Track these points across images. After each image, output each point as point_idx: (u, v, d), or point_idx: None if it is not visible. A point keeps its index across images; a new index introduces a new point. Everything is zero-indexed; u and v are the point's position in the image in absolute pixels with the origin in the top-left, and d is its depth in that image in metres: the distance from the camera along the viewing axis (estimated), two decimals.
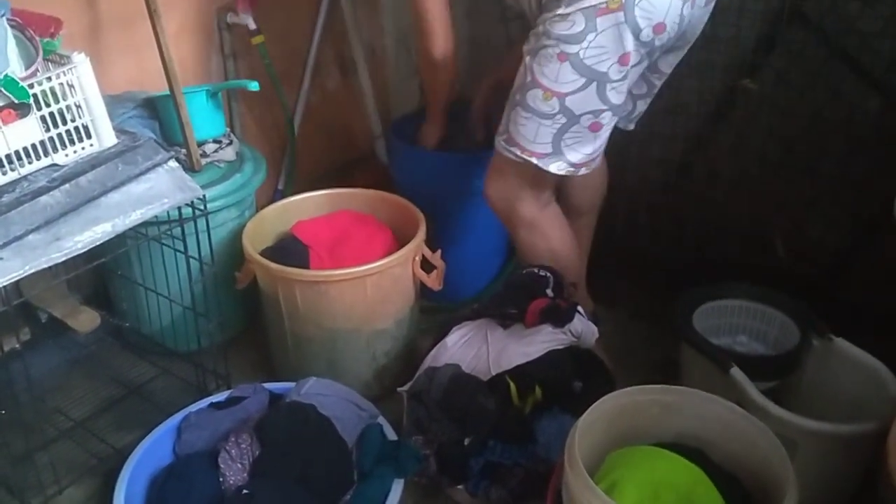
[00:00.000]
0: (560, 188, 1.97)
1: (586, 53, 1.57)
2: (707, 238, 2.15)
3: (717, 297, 1.89)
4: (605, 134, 1.69)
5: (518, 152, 1.70)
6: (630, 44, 1.56)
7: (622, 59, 1.58)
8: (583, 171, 1.72)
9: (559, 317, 1.70)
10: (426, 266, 1.96)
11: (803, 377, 1.78)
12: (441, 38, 1.87)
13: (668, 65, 1.77)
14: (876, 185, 1.84)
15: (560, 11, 1.57)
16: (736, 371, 1.65)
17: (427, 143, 2.18)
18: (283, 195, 2.38)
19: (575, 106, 1.62)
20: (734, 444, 1.43)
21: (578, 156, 1.69)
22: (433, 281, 1.96)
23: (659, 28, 1.57)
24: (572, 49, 1.57)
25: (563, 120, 1.64)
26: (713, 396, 1.46)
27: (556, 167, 1.69)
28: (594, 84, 1.60)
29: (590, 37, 1.55)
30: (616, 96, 1.63)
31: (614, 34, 1.55)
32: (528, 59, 1.64)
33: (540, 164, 1.69)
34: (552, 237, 1.84)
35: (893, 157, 1.80)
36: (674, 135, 2.14)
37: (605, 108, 1.63)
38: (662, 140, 2.16)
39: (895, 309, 1.84)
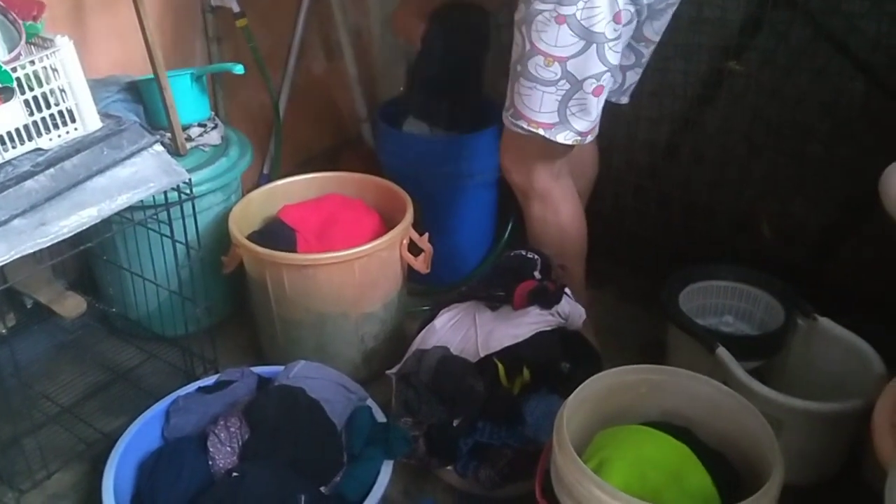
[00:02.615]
0: None
1: (582, 14, 1.57)
2: (693, 220, 2.15)
3: (704, 278, 1.91)
4: (604, 97, 1.69)
5: (525, 125, 1.70)
6: (621, 1, 1.57)
7: (616, 17, 1.58)
8: (588, 138, 1.73)
9: (547, 299, 1.71)
10: (414, 249, 1.96)
11: (788, 357, 1.80)
12: None
13: (653, 32, 1.76)
14: (861, 166, 1.85)
15: None
16: (722, 351, 1.66)
17: (404, 37, 2.18)
18: (270, 179, 2.38)
19: (577, 70, 1.62)
20: (721, 422, 1.45)
21: (584, 124, 1.69)
22: (421, 264, 1.96)
23: None
24: (569, 10, 1.57)
25: (567, 86, 1.64)
26: (700, 376, 1.47)
27: (564, 137, 1.69)
28: (594, 46, 1.60)
29: None
30: (614, 56, 1.63)
31: None
32: (523, 28, 1.64)
33: (548, 136, 1.69)
34: (562, 212, 1.85)
35: (878, 138, 1.81)
36: (660, 117, 2.14)
37: (605, 69, 1.63)
38: (649, 122, 2.16)
39: (879, 289, 1.86)
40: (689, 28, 1.91)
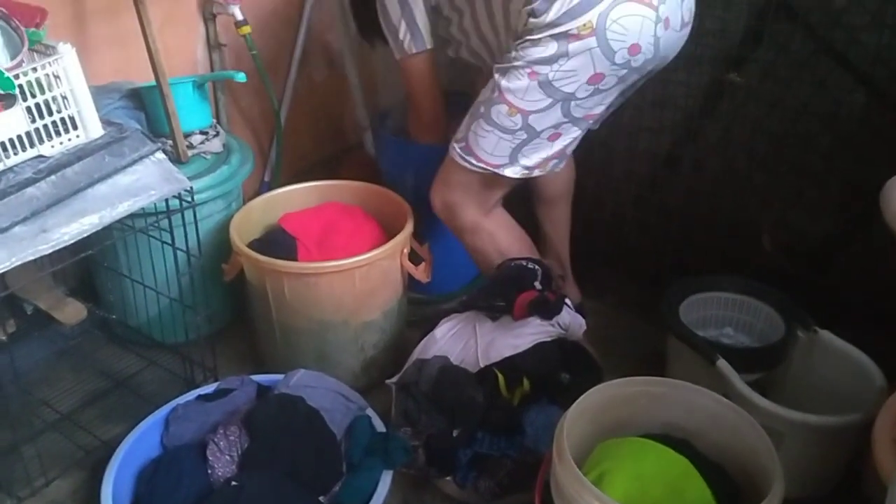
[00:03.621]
0: (528, 181, 1.97)
1: (555, 76, 1.57)
2: (694, 231, 2.15)
3: (704, 289, 1.91)
4: (563, 142, 1.70)
5: (474, 161, 1.72)
6: (604, 66, 1.57)
7: (591, 79, 1.58)
8: (537, 172, 1.73)
9: (547, 309, 1.70)
10: (414, 258, 1.96)
11: (789, 369, 1.80)
12: (429, 110, 1.97)
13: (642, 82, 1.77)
14: (861, 178, 1.86)
15: (531, 37, 1.57)
16: (722, 363, 1.66)
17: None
18: (271, 187, 2.38)
19: (537, 123, 1.64)
20: (721, 434, 1.44)
21: (533, 160, 1.70)
22: (421, 273, 1.96)
23: (634, 49, 1.57)
24: (543, 70, 1.57)
25: (524, 136, 1.65)
26: (700, 388, 1.47)
27: (512, 171, 1.71)
28: (559, 104, 1.61)
29: (561, 61, 1.56)
30: (580, 111, 1.64)
31: (586, 59, 1.56)
32: (497, 75, 1.64)
33: (496, 171, 1.71)
34: (498, 237, 1.86)
35: (879, 150, 1.81)
36: (661, 128, 2.14)
37: (566, 121, 1.64)
38: (649, 133, 2.16)
39: (880, 302, 1.86)
40: (690, 40, 1.91)
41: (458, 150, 1.74)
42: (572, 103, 1.61)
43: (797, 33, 1.88)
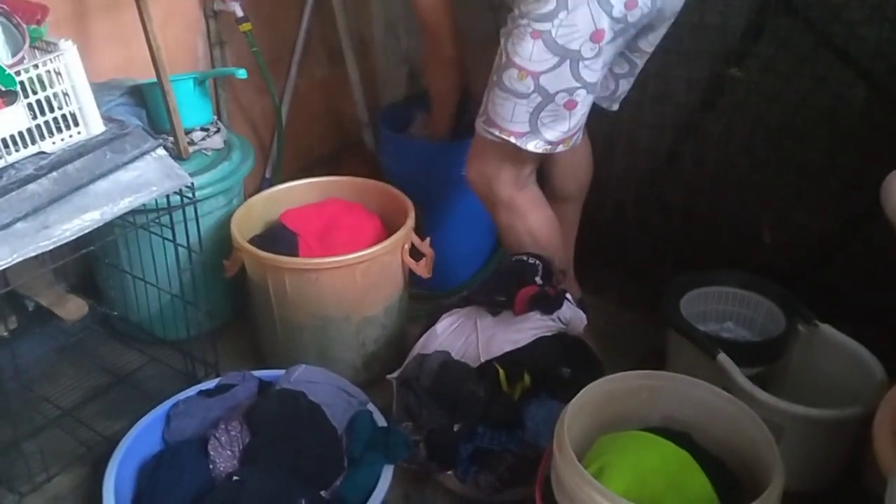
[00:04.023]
0: (545, 175, 1.97)
1: (558, 32, 1.58)
2: (694, 226, 2.16)
3: (704, 284, 1.91)
4: (580, 111, 1.70)
5: (497, 132, 1.71)
6: (603, 21, 1.58)
7: (594, 36, 1.59)
8: (560, 147, 1.73)
9: (548, 304, 1.71)
10: (415, 254, 1.96)
11: (789, 363, 1.80)
12: (448, 40, 1.94)
13: (648, 43, 1.77)
14: (862, 173, 1.86)
15: None
16: (723, 357, 1.66)
17: (433, 137, 2.19)
18: (271, 183, 2.38)
19: (549, 84, 1.63)
20: (721, 428, 1.45)
21: (555, 133, 1.70)
22: (422, 269, 1.96)
23: (630, 4, 1.58)
24: (544, 27, 1.58)
25: (539, 99, 1.65)
26: (700, 381, 1.47)
27: (534, 145, 1.70)
28: (567, 62, 1.61)
29: (561, 15, 1.57)
30: (590, 74, 1.64)
31: (585, 12, 1.57)
32: (503, 40, 1.66)
33: (518, 143, 1.70)
34: (530, 218, 1.85)
35: (879, 145, 1.81)
36: (661, 124, 2.15)
37: (578, 85, 1.64)
38: (650, 129, 2.16)
39: (880, 296, 1.86)
40: (691, 34, 1.92)
41: (482, 124, 1.74)
42: (580, 63, 1.61)
43: (797, 28, 1.88)
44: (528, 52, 1.61)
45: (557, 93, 1.64)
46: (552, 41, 1.59)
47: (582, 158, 2.04)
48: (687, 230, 2.17)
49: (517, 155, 1.75)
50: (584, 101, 1.68)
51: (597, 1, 1.56)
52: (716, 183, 2.12)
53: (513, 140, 1.70)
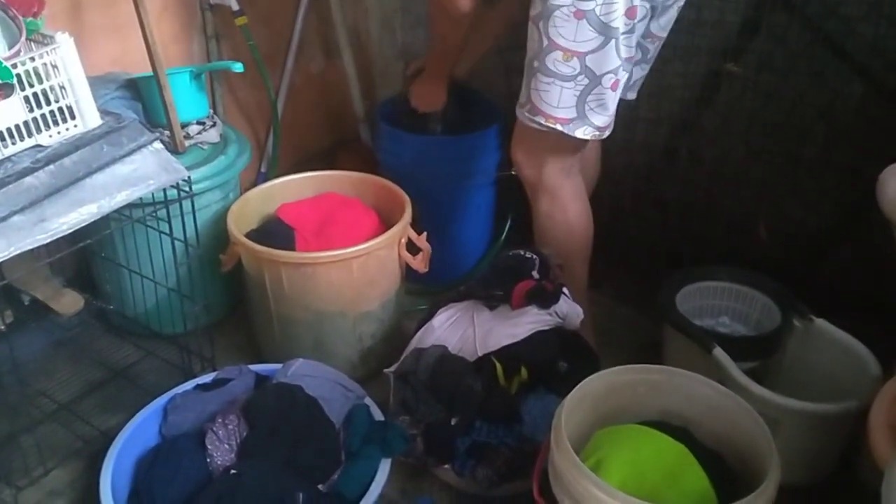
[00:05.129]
0: None
1: (601, 10, 1.58)
2: (690, 221, 2.16)
3: (700, 279, 1.91)
4: (619, 92, 1.70)
5: (543, 121, 1.70)
6: None
7: (629, 13, 1.60)
8: (606, 133, 1.73)
9: (545, 298, 1.71)
10: (412, 248, 1.96)
11: (785, 357, 1.81)
12: None
13: (659, 28, 1.77)
14: (858, 169, 1.86)
15: None
16: (719, 351, 1.67)
17: (425, 106, 2.18)
18: (267, 178, 2.38)
19: (596, 65, 1.63)
20: (718, 422, 1.45)
21: (602, 118, 1.70)
22: (419, 263, 1.96)
23: None
24: (588, 6, 1.58)
25: (586, 81, 1.64)
26: (697, 376, 1.48)
27: (583, 132, 1.69)
28: (612, 41, 1.61)
29: None
30: (626, 50, 1.64)
31: None
32: (540, 24, 1.64)
33: (566, 131, 1.69)
34: (570, 210, 1.84)
35: (875, 140, 1.82)
36: (658, 119, 2.15)
37: (619, 64, 1.64)
38: (646, 124, 2.17)
39: (875, 290, 1.87)
40: (688, 30, 1.91)
41: (527, 114, 1.73)
42: (621, 40, 1.62)
43: (794, 24, 1.89)
44: (573, 33, 1.60)
45: (604, 74, 1.64)
46: (596, 19, 1.58)
47: (593, 154, 2.04)
48: (683, 225, 2.18)
49: (565, 143, 1.73)
50: (623, 81, 1.68)
51: None
52: (712, 178, 2.12)
53: (559, 127, 1.69)
